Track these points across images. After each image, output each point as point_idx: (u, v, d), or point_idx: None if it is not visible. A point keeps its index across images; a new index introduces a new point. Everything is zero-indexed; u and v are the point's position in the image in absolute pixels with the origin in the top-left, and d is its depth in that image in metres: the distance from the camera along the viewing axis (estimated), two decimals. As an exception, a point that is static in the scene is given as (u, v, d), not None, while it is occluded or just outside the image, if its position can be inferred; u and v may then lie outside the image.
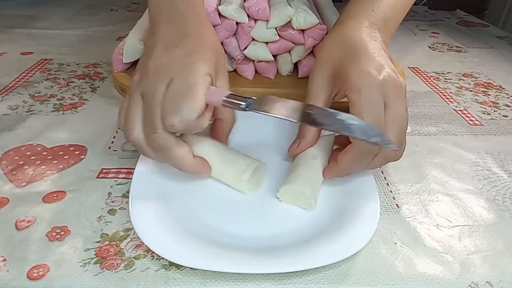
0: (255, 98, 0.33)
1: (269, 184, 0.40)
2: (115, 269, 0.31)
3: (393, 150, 0.34)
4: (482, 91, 0.63)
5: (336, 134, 0.42)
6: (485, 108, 0.58)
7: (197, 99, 0.32)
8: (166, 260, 0.32)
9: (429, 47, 0.82)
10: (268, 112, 0.32)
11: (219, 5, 0.53)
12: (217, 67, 0.36)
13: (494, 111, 0.57)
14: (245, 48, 0.56)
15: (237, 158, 0.39)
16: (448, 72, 0.70)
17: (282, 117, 0.32)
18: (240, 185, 0.38)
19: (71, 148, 0.45)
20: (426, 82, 0.65)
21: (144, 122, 0.34)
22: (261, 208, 0.37)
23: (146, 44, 0.38)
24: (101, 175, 0.41)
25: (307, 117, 0.32)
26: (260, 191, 0.39)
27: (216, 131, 0.41)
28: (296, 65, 0.59)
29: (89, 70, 0.64)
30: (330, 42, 0.41)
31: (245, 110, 0.33)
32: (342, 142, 0.39)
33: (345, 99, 0.38)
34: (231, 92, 0.34)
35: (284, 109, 0.32)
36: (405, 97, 0.35)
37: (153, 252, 0.32)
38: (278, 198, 0.38)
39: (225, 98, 0.33)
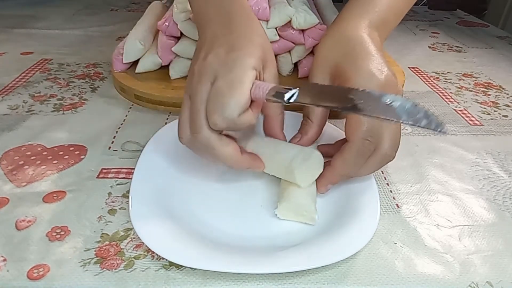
0: (297, 88, 0.32)
1: (269, 184, 0.40)
2: (115, 269, 0.31)
3: (441, 131, 0.30)
4: (482, 91, 0.63)
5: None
6: (485, 108, 0.58)
7: (241, 94, 0.31)
8: (166, 260, 0.32)
9: (429, 47, 0.82)
10: (312, 104, 0.32)
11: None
12: (264, 59, 0.35)
13: (494, 111, 0.57)
14: (245, 48, 0.56)
15: (286, 149, 0.37)
16: (448, 72, 0.70)
17: (327, 106, 0.32)
18: (289, 176, 0.36)
19: (71, 148, 0.45)
20: (426, 82, 0.65)
21: (190, 122, 0.33)
22: (261, 208, 0.37)
23: (196, 47, 0.37)
24: (101, 175, 0.41)
25: (349, 104, 0.30)
26: (260, 191, 0.39)
27: (267, 128, 0.40)
28: (296, 65, 0.59)
29: (89, 70, 0.64)
30: (329, 41, 0.41)
31: (289, 103, 0.32)
32: (330, 154, 0.39)
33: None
34: (273, 85, 0.33)
35: (326, 98, 0.31)
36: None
37: (153, 252, 0.32)
38: (276, 215, 0.36)
39: (267, 92, 0.32)
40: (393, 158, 0.37)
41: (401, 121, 0.28)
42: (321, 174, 0.37)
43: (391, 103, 0.29)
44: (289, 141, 0.41)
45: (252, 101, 0.33)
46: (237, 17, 0.37)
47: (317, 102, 0.31)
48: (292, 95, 0.31)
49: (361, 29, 0.39)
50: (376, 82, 0.35)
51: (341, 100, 0.30)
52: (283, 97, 0.31)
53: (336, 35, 0.40)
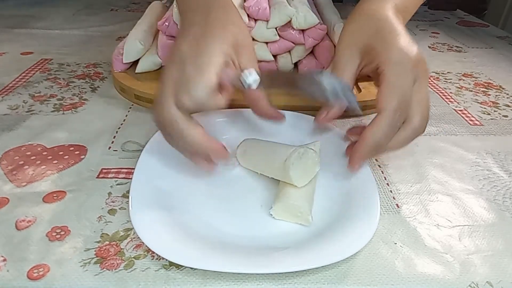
0: (258, 76, 0.36)
1: (269, 184, 0.40)
2: (115, 269, 0.31)
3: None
4: (482, 91, 0.63)
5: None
6: (485, 108, 0.58)
7: (208, 77, 0.33)
8: (166, 260, 0.32)
9: (429, 47, 0.82)
10: (269, 87, 0.37)
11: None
12: (237, 45, 0.37)
13: (494, 111, 0.57)
14: (245, 48, 0.56)
15: (281, 150, 0.37)
16: (448, 72, 0.70)
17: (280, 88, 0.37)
18: (285, 176, 0.36)
19: (71, 148, 0.45)
20: (426, 82, 0.65)
21: (159, 104, 0.35)
22: (261, 208, 0.37)
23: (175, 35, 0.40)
24: (101, 175, 0.41)
25: (296, 87, 0.36)
26: (260, 191, 0.39)
27: (256, 111, 0.41)
28: (296, 65, 0.59)
29: (89, 70, 0.64)
30: (357, 20, 0.42)
31: (250, 88, 0.35)
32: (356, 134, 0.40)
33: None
34: (239, 72, 0.35)
35: (281, 83, 0.37)
36: (428, 78, 0.38)
37: (153, 252, 0.32)
38: (271, 215, 0.36)
39: (232, 78, 0.35)
40: (423, 132, 0.38)
41: (329, 101, 0.36)
42: (353, 149, 0.37)
43: (324, 87, 0.36)
44: (316, 116, 0.42)
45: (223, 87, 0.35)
46: (215, 8, 0.38)
47: (273, 86, 0.37)
48: (255, 82, 0.36)
49: (388, 10, 0.41)
50: (410, 58, 0.36)
51: (291, 84, 0.37)
52: (245, 82, 0.36)
53: (363, 15, 0.42)
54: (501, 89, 0.64)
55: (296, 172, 0.35)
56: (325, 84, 0.36)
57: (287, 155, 0.36)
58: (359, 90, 0.56)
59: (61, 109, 0.53)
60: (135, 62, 0.58)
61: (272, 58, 0.56)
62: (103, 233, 0.34)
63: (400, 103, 0.36)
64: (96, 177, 0.41)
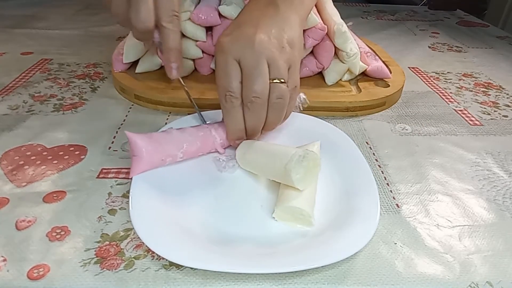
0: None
1: (269, 184, 0.40)
2: (115, 269, 0.31)
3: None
4: (482, 91, 0.63)
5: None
6: (485, 108, 0.58)
7: None
8: (166, 260, 0.32)
9: (429, 47, 0.82)
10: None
11: (219, 5, 0.53)
12: None
13: (494, 111, 0.57)
14: (245, 48, 0.56)
15: (283, 153, 0.37)
16: (448, 72, 0.70)
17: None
18: (286, 179, 0.36)
19: (71, 148, 0.45)
20: (426, 82, 0.65)
21: None
22: (261, 208, 0.37)
23: None
24: (101, 175, 0.41)
25: None
26: (260, 192, 0.39)
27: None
28: (296, 65, 0.59)
29: (89, 70, 0.64)
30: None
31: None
32: None
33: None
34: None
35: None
36: (257, 50, 0.37)
37: (153, 252, 0.32)
38: (274, 218, 0.36)
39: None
40: (277, 104, 0.39)
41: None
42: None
43: None
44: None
45: None
46: None
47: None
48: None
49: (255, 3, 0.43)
50: (221, 47, 0.38)
51: None
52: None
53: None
54: (501, 89, 0.64)
55: (298, 176, 0.35)
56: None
57: (287, 158, 0.35)
58: (359, 90, 0.56)
59: (61, 109, 0.53)
60: (135, 62, 0.58)
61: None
62: (103, 233, 0.34)
63: (223, 88, 0.38)
64: (96, 177, 0.41)
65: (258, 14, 0.41)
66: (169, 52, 0.41)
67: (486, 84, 0.66)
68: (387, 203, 0.39)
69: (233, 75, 0.38)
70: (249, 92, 0.37)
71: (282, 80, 0.38)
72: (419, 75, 0.68)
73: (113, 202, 0.38)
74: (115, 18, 0.40)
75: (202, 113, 0.47)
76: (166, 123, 0.50)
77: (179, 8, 0.41)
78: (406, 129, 0.52)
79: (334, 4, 0.67)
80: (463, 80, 0.67)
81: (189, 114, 0.49)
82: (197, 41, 0.55)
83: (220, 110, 0.45)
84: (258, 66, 0.37)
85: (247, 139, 0.42)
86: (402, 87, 0.59)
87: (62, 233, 0.34)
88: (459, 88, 0.64)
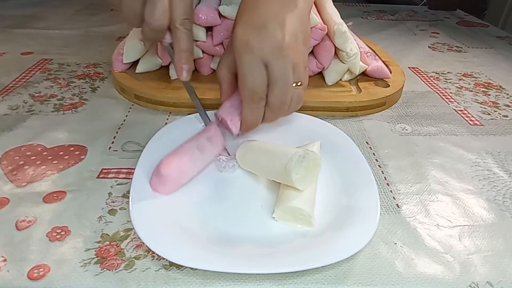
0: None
1: (269, 184, 0.40)
2: (115, 269, 0.31)
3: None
4: (482, 91, 0.63)
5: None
6: (485, 108, 0.58)
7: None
8: (166, 260, 0.32)
9: (429, 47, 0.82)
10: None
11: (219, 5, 0.53)
12: None
13: (494, 111, 0.57)
14: (245, 48, 0.56)
15: (282, 153, 0.37)
16: (448, 72, 0.70)
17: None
18: (286, 179, 0.36)
19: (71, 148, 0.45)
20: (426, 82, 0.65)
21: None
22: (261, 208, 0.37)
23: None
24: (101, 175, 0.41)
25: None
26: (260, 192, 0.39)
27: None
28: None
29: (89, 70, 0.64)
30: None
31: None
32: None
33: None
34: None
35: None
36: (286, 55, 0.38)
37: (154, 252, 0.32)
38: (274, 218, 0.36)
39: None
40: (292, 108, 0.41)
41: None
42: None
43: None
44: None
45: None
46: None
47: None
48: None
49: None
50: (249, 45, 0.38)
51: None
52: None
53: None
54: (501, 89, 0.64)
55: (298, 176, 0.35)
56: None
57: (287, 158, 0.35)
58: (359, 90, 0.56)
59: (61, 109, 0.53)
60: (135, 62, 0.58)
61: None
62: (103, 233, 0.34)
63: (250, 90, 0.38)
64: (96, 177, 0.41)
65: (279, 9, 0.39)
66: (181, 53, 0.41)
67: (486, 84, 0.66)
68: (387, 203, 0.39)
69: (261, 79, 0.38)
70: (277, 99, 0.39)
71: (300, 83, 0.39)
72: (419, 75, 0.68)
73: (113, 202, 0.38)
74: (126, 14, 0.39)
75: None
76: (166, 123, 0.50)
77: (192, 11, 0.41)
78: (406, 129, 0.52)
79: (334, 4, 0.67)
80: (463, 80, 0.67)
81: (189, 114, 0.49)
82: (197, 41, 0.55)
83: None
84: (286, 74, 0.38)
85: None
86: (402, 87, 0.59)
87: (62, 233, 0.34)
88: (459, 88, 0.64)
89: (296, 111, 0.49)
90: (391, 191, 0.41)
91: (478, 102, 0.60)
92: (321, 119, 0.49)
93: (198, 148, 0.40)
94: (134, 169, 0.39)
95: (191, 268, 0.31)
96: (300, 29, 0.40)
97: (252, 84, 0.38)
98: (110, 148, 0.45)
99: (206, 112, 0.48)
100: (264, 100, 0.39)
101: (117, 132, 0.48)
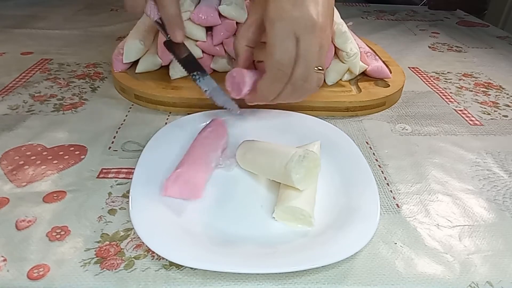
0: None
1: (269, 184, 0.40)
2: (115, 269, 0.31)
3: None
4: (482, 91, 0.63)
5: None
6: (485, 108, 0.58)
7: None
8: (166, 260, 0.32)
9: (429, 47, 0.82)
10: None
11: (219, 5, 0.53)
12: None
13: (494, 111, 0.57)
14: (245, 48, 0.56)
15: (282, 153, 0.37)
16: (448, 72, 0.70)
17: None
18: (287, 179, 0.36)
19: (71, 148, 0.45)
20: (426, 82, 0.65)
21: None
22: (261, 208, 0.37)
23: None
24: (101, 175, 0.41)
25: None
26: (260, 191, 0.39)
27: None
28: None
29: (89, 70, 0.64)
30: None
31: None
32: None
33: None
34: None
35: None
36: (317, 35, 0.38)
37: (153, 252, 0.32)
38: (274, 218, 0.36)
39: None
40: (312, 87, 0.40)
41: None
42: (249, 94, 0.42)
43: (203, 88, 0.46)
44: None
45: None
46: None
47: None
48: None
49: None
50: (286, 15, 0.37)
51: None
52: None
53: None
54: (501, 89, 0.64)
55: (298, 176, 0.35)
56: (202, 86, 0.46)
57: (287, 158, 0.35)
58: (360, 90, 0.56)
59: (61, 109, 0.53)
60: (135, 62, 0.58)
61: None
62: (103, 233, 0.34)
63: (278, 62, 0.38)
64: (96, 177, 0.41)
65: None
66: (170, 18, 0.42)
67: (486, 84, 0.66)
68: (387, 203, 0.39)
69: (290, 51, 0.37)
70: (301, 76, 0.38)
71: (320, 68, 0.39)
72: (419, 75, 0.68)
73: (113, 202, 0.38)
74: None
75: (200, 113, 0.47)
76: (166, 123, 0.50)
77: None
78: (406, 129, 0.52)
79: (334, 4, 0.67)
80: (463, 80, 0.67)
81: (189, 114, 0.49)
82: (197, 41, 0.55)
83: (221, 111, 0.45)
84: (314, 52, 0.38)
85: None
86: (402, 87, 0.59)
87: (62, 233, 0.34)
88: (459, 88, 0.64)
89: (296, 111, 0.49)
90: (391, 191, 0.41)
91: (478, 102, 0.60)
92: (321, 119, 0.49)
93: (204, 146, 0.41)
94: (134, 169, 0.39)
95: (191, 268, 0.31)
96: (329, 13, 0.40)
97: (280, 55, 0.37)
98: (110, 148, 0.45)
99: (206, 112, 0.48)
100: (287, 76, 0.38)
101: (117, 132, 0.48)
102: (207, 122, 0.46)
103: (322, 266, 0.31)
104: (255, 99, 0.42)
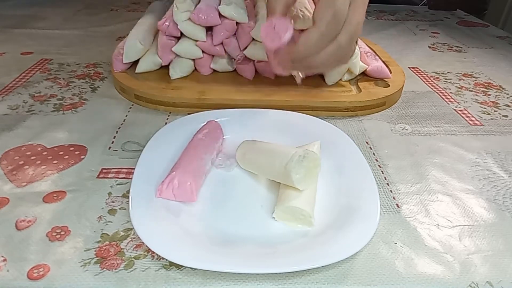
0: None
1: (269, 184, 0.40)
2: (115, 269, 0.31)
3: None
4: (482, 91, 0.63)
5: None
6: (485, 108, 0.58)
7: None
8: (166, 260, 0.32)
9: (429, 47, 0.82)
10: None
11: (219, 5, 0.53)
12: None
13: (494, 111, 0.57)
14: (245, 48, 0.56)
15: (282, 153, 0.37)
16: (448, 72, 0.70)
17: None
18: (286, 179, 0.36)
19: (71, 148, 0.45)
20: (426, 82, 0.65)
21: None
22: (261, 208, 0.37)
23: None
24: (101, 175, 0.41)
25: None
26: (260, 191, 0.39)
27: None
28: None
29: (89, 70, 0.64)
30: None
31: None
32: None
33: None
34: None
35: None
36: (365, 7, 0.39)
37: (153, 252, 0.32)
38: (274, 218, 0.36)
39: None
40: (351, 53, 0.40)
41: None
42: (283, 52, 0.40)
43: None
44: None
45: None
46: None
47: None
48: None
49: None
50: None
51: None
52: None
53: None
54: (501, 89, 0.64)
55: (298, 176, 0.35)
56: None
57: (287, 158, 0.35)
58: (359, 90, 0.56)
59: (61, 109, 0.53)
60: (135, 62, 0.58)
61: (272, 58, 0.56)
62: (103, 233, 0.34)
63: (332, 18, 0.37)
64: (96, 177, 0.41)
65: None
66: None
67: (486, 84, 0.66)
68: (387, 203, 0.39)
69: (346, 5, 0.37)
70: (345, 39, 0.38)
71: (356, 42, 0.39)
72: (419, 75, 0.68)
73: (113, 202, 0.38)
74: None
75: (200, 113, 0.47)
76: (166, 123, 0.50)
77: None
78: (406, 129, 0.52)
79: None
80: (463, 80, 0.67)
81: (189, 114, 0.49)
82: (197, 41, 0.55)
83: (221, 111, 0.45)
84: (359, 23, 0.38)
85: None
86: (402, 87, 0.59)
87: (62, 233, 0.34)
88: (459, 88, 0.64)
89: (296, 111, 0.49)
90: (391, 191, 0.41)
91: (478, 102, 0.60)
92: (321, 119, 0.49)
93: (200, 147, 0.40)
94: (134, 169, 0.39)
95: (191, 268, 0.31)
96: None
97: (342, 4, 0.37)
98: (110, 148, 0.45)
99: (206, 112, 0.48)
100: (337, 32, 0.38)
101: (117, 132, 0.48)
102: (206, 123, 0.46)
103: (322, 266, 0.31)
104: (292, 54, 0.40)
